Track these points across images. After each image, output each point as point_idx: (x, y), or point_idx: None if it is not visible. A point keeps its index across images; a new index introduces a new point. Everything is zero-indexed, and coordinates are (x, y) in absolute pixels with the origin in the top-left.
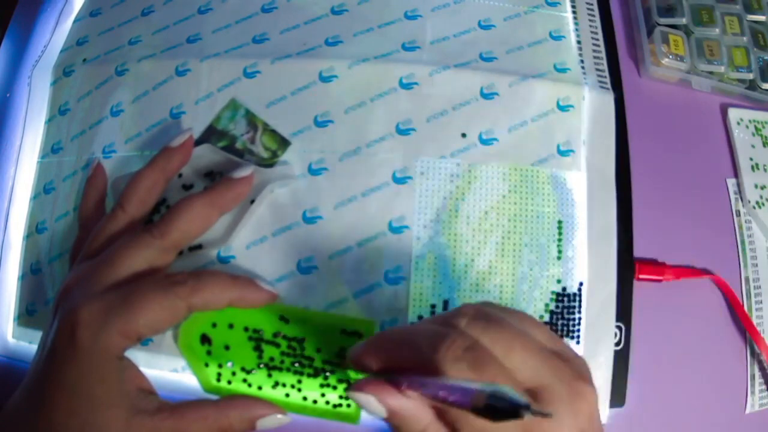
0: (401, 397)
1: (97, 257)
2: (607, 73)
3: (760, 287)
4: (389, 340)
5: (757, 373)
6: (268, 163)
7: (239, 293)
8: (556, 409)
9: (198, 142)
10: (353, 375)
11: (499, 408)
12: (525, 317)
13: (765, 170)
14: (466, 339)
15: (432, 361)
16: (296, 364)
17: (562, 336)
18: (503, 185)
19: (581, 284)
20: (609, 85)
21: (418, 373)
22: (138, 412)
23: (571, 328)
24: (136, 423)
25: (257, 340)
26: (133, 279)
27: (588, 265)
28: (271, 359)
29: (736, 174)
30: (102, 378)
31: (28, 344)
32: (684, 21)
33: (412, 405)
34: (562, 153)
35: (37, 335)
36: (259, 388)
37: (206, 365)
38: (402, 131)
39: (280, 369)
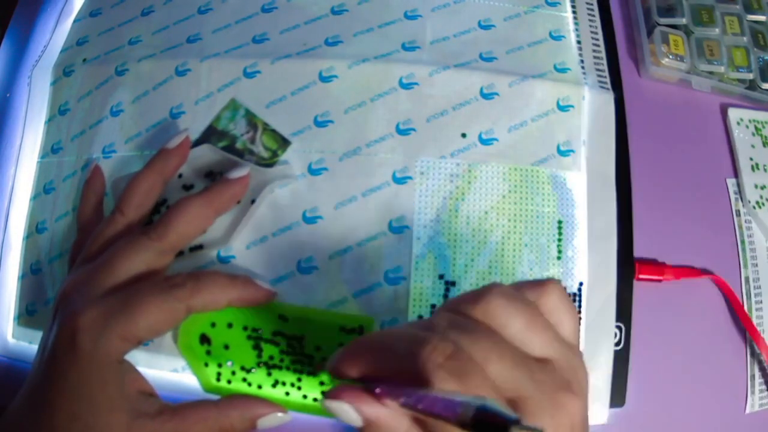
0: (378, 406)
1: (95, 261)
2: (607, 73)
3: (760, 287)
4: (367, 347)
5: (757, 373)
6: (268, 163)
7: (238, 293)
8: (537, 422)
9: (198, 142)
10: (325, 379)
11: (486, 422)
12: (526, 312)
13: (765, 170)
14: (447, 345)
15: (412, 369)
16: (296, 363)
17: None
18: (503, 185)
19: (581, 284)
20: (609, 85)
21: (398, 381)
22: (139, 415)
23: None
24: (137, 426)
25: (256, 339)
26: (131, 282)
27: (588, 265)
28: (271, 358)
29: (736, 174)
30: (103, 382)
31: (28, 344)
32: (684, 21)
33: (389, 414)
34: (562, 153)
35: (37, 335)
36: (259, 387)
37: (206, 365)
38: (402, 131)
39: (279, 368)
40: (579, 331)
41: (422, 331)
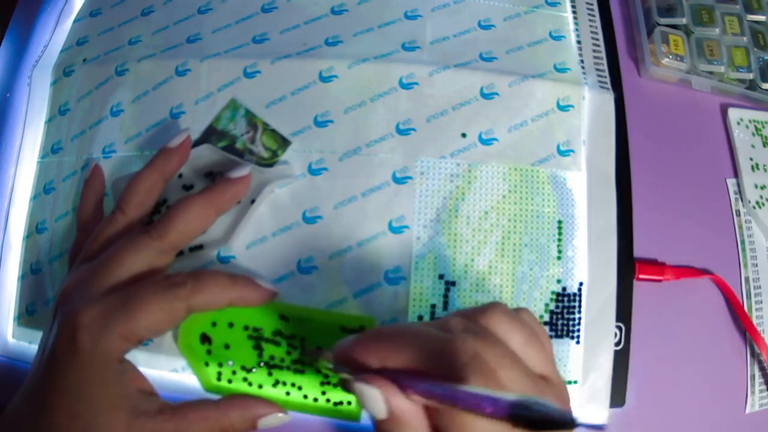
0: (406, 400)
1: (95, 260)
2: (607, 73)
3: (760, 287)
4: (385, 337)
5: (757, 373)
6: (268, 163)
7: (239, 293)
8: None
9: (198, 142)
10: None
11: (545, 420)
12: (525, 330)
13: (765, 170)
14: (469, 346)
15: (438, 365)
16: (296, 363)
17: (561, 336)
18: (503, 185)
19: (581, 284)
20: (609, 85)
21: (417, 375)
22: (139, 414)
23: (571, 328)
24: (137, 425)
25: (257, 339)
26: (132, 281)
27: (588, 265)
28: (271, 358)
29: (736, 174)
30: (103, 381)
31: (28, 344)
32: (684, 21)
33: (414, 411)
34: (562, 153)
35: (37, 335)
36: (260, 386)
37: (206, 365)
38: (402, 131)
39: (280, 367)
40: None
41: (438, 331)
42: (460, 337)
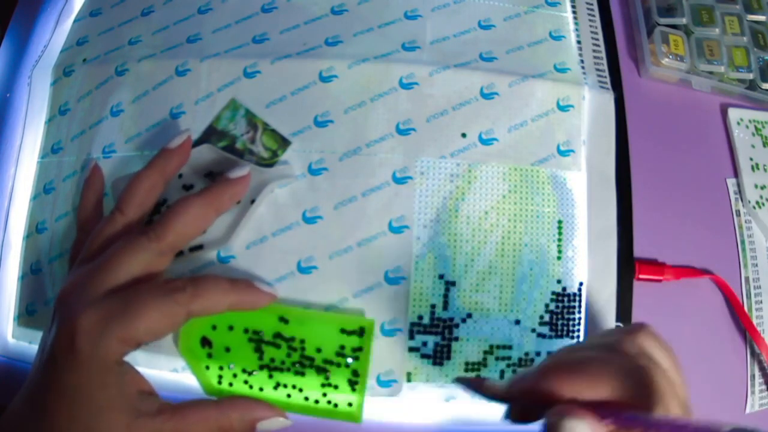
0: (604, 429)
1: (94, 261)
2: (607, 73)
3: (760, 287)
4: (578, 369)
5: (757, 373)
6: (268, 163)
7: (238, 297)
8: None
9: (198, 143)
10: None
11: None
12: (671, 354)
13: (765, 170)
14: (660, 374)
15: (640, 395)
16: (297, 365)
17: (561, 336)
18: (503, 185)
19: (581, 284)
20: (609, 85)
21: (608, 406)
22: (139, 414)
23: (571, 328)
24: (137, 426)
25: (257, 342)
26: (131, 283)
27: (588, 265)
28: (272, 360)
29: (736, 174)
30: (102, 384)
31: (28, 344)
32: (684, 21)
33: None
34: (562, 153)
35: (37, 335)
36: (261, 389)
37: (207, 368)
38: (402, 131)
39: (281, 370)
40: None
41: (623, 358)
42: (654, 367)
